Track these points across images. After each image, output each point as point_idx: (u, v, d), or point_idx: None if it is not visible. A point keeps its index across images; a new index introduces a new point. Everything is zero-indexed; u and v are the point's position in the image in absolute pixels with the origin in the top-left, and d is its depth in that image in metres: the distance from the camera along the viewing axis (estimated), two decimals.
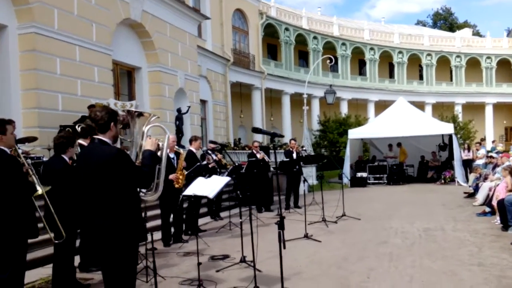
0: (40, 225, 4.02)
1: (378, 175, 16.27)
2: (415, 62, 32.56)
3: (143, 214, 4.40)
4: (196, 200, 7.03)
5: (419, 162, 17.53)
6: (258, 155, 9.94)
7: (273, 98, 25.03)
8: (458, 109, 30.66)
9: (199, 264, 4.51)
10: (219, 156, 9.08)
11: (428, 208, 9.78)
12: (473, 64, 32.90)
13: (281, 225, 3.59)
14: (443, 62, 32.66)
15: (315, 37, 27.92)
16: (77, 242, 4.69)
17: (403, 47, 31.95)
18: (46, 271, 4.92)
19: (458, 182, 14.62)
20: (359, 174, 16.06)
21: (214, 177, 5.47)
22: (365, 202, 11.02)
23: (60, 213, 4.12)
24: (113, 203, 2.76)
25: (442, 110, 27.43)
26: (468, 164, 15.78)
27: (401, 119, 15.86)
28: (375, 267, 5.08)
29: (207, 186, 5.04)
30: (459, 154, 15.38)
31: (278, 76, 24.66)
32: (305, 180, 8.82)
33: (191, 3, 15.18)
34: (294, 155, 10.26)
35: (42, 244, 5.43)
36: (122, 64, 11.47)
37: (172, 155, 6.54)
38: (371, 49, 30.85)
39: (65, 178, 4.23)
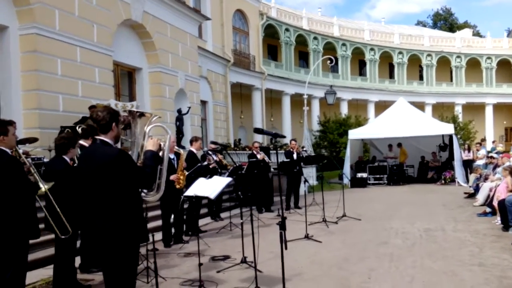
0: (41, 226, 4.03)
1: (378, 176, 16.27)
2: (415, 63, 32.57)
3: (144, 215, 4.40)
4: (196, 200, 7.03)
5: (419, 163, 17.53)
6: (259, 156, 9.94)
7: (273, 99, 25.04)
8: (458, 110, 30.65)
9: (200, 264, 4.51)
10: (220, 156, 9.09)
11: (429, 208, 9.78)
12: (473, 64, 32.91)
13: (282, 226, 3.59)
14: (443, 63, 32.67)
15: (315, 38, 27.94)
16: (78, 243, 4.70)
17: (403, 47, 31.96)
18: (47, 272, 4.93)
19: (458, 182, 14.62)
20: (359, 175, 16.06)
21: (215, 177, 5.47)
22: (366, 203, 11.02)
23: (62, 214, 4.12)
24: (115, 204, 2.76)
25: (442, 111, 27.43)
26: (468, 165, 15.78)
27: (401, 120, 15.86)
28: (376, 267, 5.08)
29: (208, 187, 5.04)
30: (459, 155, 15.38)
31: (278, 76, 24.67)
32: (306, 181, 8.82)
33: (192, 3, 15.19)
34: (295, 156, 10.27)
35: (43, 245, 5.44)
36: (123, 65, 11.48)
37: (172, 156, 6.54)
38: (371, 49, 30.86)
39: (66, 178, 4.23)
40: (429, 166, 16.99)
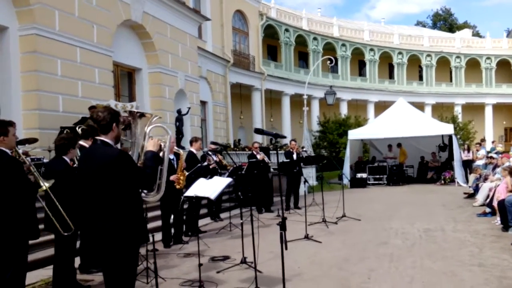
0: (40, 226, 4.03)
1: (378, 176, 16.27)
2: (415, 63, 32.59)
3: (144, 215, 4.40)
4: (196, 201, 7.03)
5: (419, 163, 17.54)
6: (258, 156, 9.95)
7: (273, 99, 25.05)
8: (457, 110, 30.69)
9: (200, 265, 4.52)
10: (220, 157, 9.09)
11: (428, 208, 9.79)
12: (473, 64, 32.93)
13: (283, 226, 3.59)
14: (443, 63, 32.69)
15: (315, 38, 27.95)
16: (78, 243, 4.70)
17: (403, 47, 31.97)
18: (46, 273, 4.93)
19: (458, 182, 14.62)
20: (359, 175, 16.06)
21: (215, 178, 5.47)
22: (365, 203, 11.02)
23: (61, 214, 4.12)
24: (115, 205, 2.76)
25: (442, 111, 27.45)
26: (468, 165, 15.79)
27: (401, 120, 15.87)
28: (375, 268, 5.08)
29: (208, 187, 5.04)
30: (459, 155, 15.40)
31: (278, 77, 24.67)
32: (305, 181, 8.83)
33: (192, 4, 15.19)
34: (295, 156, 10.27)
35: (42, 245, 5.44)
36: (123, 65, 11.48)
37: (171, 156, 6.54)
38: (371, 50, 30.88)
39: (66, 179, 4.23)
40: (429, 166, 17.00)
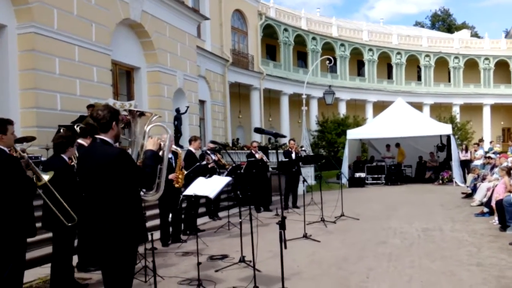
0: (38, 224, 4.02)
1: (376, 176, 16.29)
2: (413, 63, 32.62)
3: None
4: (195, 200, 7.03)
5: (417, 163, 17.58)
6: (257, 155, 9.95)
7: (271, 99, 25.04)
8: (456, 110, 30.76)
9: (198, 264, 4.51)
10: (218, 156, 9.09)
11: (427, 208, 9.80)
12: (471, 65, 33.00)
13: (282, 225, 3.59)
14: (441, 63, 32.73)
15: (314, 38, 27.95)
16: (75, 242, 4.68)
17: (402, 48, 31.99)
18: (44, 271, 4.92)
19: (456, 182, 14.66)
20: (357, 175, 16.09)
21: (214, 177, 5.47)
22: (364, 202, 11.03)
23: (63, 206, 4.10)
24: (114, 204, 2.75)
25: (440, 111, 27.51)
26: (466, 165, 15.82)
27: (399, 120, 15.89)
28: (374, 267, 5.09)
29: (207, 186, 5.04)
30: (457, 155, 15.43)
31: (277, 76, 24.66)
32: (304, 180, 8.83)
33: (191, 3, 15.18)
34: (293, 155, 10.28)
35: (40, 243, 5.43)
36: (121, 64, 11.46)
37: (170, 155, 6.53)
38: (370, 50, 30.89)
39: (64, 176, 4.22)
40: (427, 166, 17.04)
